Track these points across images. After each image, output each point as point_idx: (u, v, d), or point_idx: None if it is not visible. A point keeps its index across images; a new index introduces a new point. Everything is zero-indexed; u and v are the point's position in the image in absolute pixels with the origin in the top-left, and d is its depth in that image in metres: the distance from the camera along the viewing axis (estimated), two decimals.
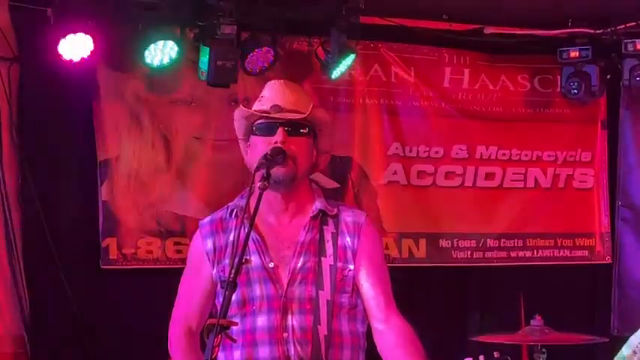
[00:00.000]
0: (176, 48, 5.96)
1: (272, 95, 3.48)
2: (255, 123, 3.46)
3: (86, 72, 5.95)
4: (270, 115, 3.41)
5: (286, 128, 3.39)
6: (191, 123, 6.42)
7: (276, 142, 3.36)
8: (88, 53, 5.68)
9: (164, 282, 4.01)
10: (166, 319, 3.68)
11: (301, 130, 3.43)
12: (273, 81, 3.59)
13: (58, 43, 5.60)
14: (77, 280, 5.96)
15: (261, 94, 3.52)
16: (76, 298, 5.91)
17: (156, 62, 5.96)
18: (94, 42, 5.66)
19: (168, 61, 5.99)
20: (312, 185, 3.56)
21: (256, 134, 3.45)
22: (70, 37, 5.59)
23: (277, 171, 3.33)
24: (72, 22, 5.60)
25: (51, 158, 6.01)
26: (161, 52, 5.94)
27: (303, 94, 3.59)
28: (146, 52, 5.90)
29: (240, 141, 3.56)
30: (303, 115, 3.42)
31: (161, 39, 5.90)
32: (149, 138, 6.31)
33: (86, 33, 5.62)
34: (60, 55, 5.62)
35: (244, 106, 3.53)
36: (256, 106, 3.47)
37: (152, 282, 5.99)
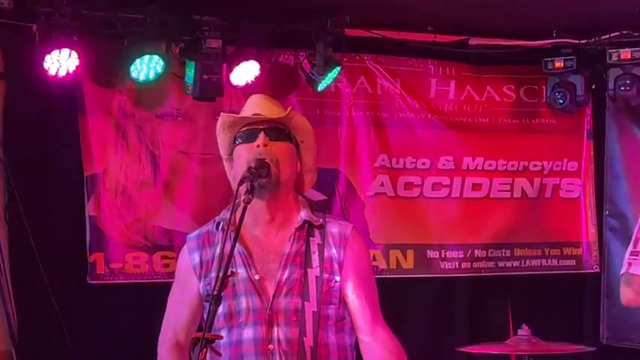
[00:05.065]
0: (162, 63, 5.95)
1: (252, 106, 3.52)
2: (237, 133, 3.48)
3: (72, 87, 5.96)
4: (250, 116, 3.44)
5: (268, 133, 3.42)
6: (177, 137, 6.42)
7: (258, 146, 3.39)
8: (74, 68, 5.66)
9: (152, 296, 4.01)
10: (155, 334, 3.68)
11: (283, 136, 3.45)
12: (253, 95, 3.64)
13: (43, 59, 5.58)
14: (65, 296, 5.94)
15: (242, 109, 3.56)
16: (63, 313, 5.88)
17: (142, 77, 5.95)
18: (79, 57, 5.65)
19: (154, 75, 5.98)
20: (299, 197, 3.56)
21: (238, 143, 3.47)
22: (56, 52, 5.58)
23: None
24: (57, 37, 5.58)
25: (37, 173, 5.99)
26: (147, 67, 5.93)
27: (281, 106, 3.60)
28: (132, 67, 5.89)
29: (224, 161, 3.58)
30: (283, 115, 3.45)
31: (147, 54, 5.89)
32: (135, 153, 6.30)
33: (71, 48, 5.61)
34: (45, 71, 5.61)
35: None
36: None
37: (140, 296, 6.00)
